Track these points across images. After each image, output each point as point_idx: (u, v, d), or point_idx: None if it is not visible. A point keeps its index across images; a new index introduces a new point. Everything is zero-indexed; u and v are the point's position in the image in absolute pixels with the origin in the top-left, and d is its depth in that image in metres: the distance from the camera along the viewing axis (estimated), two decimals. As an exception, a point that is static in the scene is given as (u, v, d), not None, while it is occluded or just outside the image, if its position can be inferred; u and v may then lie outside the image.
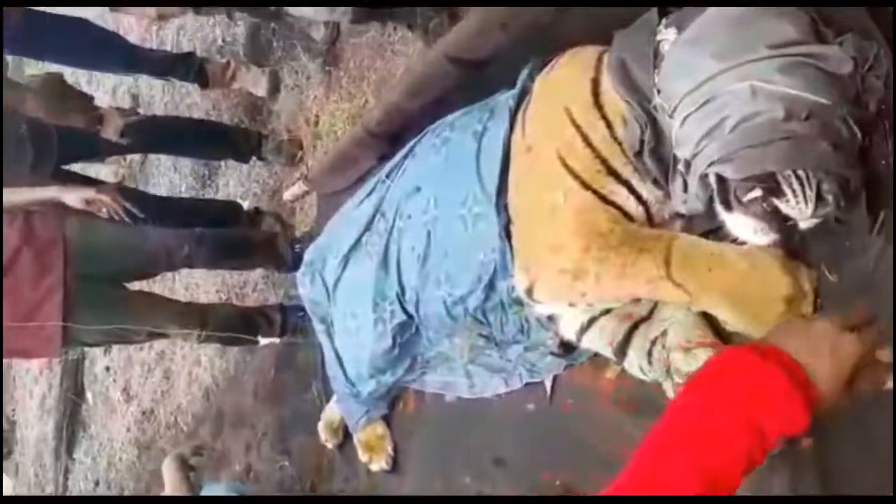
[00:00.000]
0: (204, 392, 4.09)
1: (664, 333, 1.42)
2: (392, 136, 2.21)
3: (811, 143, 1.17)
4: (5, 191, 2.64)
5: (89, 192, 2.70)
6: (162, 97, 4.46)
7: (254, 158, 3.48)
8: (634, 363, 1.49)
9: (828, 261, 1.29)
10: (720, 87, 1.22)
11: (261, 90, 3.51)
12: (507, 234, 1.60)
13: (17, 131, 2.91)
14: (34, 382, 6.47)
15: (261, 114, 3.65)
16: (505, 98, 1.66)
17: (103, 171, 4.88)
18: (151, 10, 2.49)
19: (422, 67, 2.05)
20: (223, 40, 3.97)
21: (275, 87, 3.49)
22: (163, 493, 2.51)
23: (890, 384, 0.92)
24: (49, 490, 5.69)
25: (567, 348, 1.70)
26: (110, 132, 3.01)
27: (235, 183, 3.87)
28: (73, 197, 2.66)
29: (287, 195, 3.13)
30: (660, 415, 1.15)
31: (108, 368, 5.40)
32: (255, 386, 3.52)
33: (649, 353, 1.44)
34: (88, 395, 5.68)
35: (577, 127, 1.43)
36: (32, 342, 2.55)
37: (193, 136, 3.46)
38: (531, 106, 1.58)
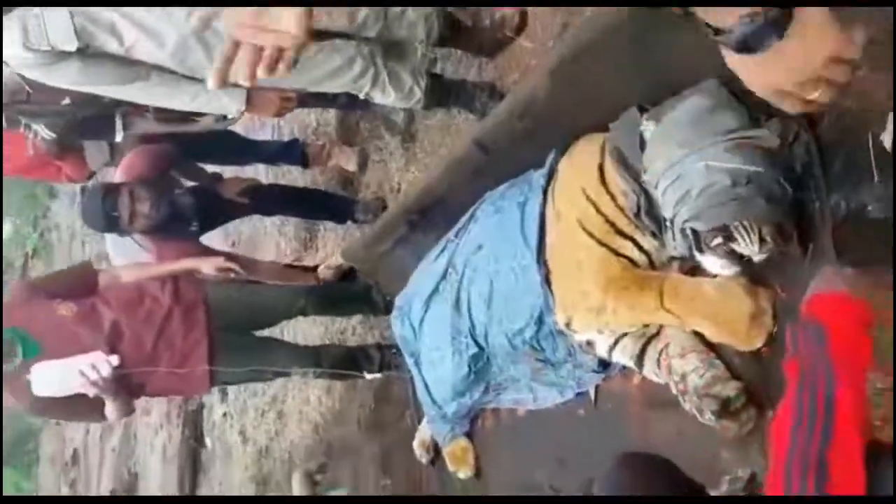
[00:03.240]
0: (313, 427, 4.40)
1: (667, 346, 1.83)
2: (422, 209, 2.49)
3: (751, 201, 1.58)
4: (158, 264, 3.22)
5: (219, 261, 3.21)
6: (266, 174, 4.84)
7: (349, 221, 3.87)
8: (650, 370, 1.90)
9: (781, 282, 1.69)
10: (685, 167, 1.66)
11: (352, 166, 3.87)
12: (547, 282, 2.03)
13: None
14: (154, 435, 6.84)
15: (352, 185, 3.99)
16: (537, 176, 2.09)
17: (215, 238, 5.47)
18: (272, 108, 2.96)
19: (453, 151, 2.37)
20: (317, 124, 4.38)
21: (364, 163, 3.84)
22: None
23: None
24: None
25: (604, 365, 2.11)
26: (231, 191, 3.52)
27: (332, 244, 4.15)
28: (208, 265, 3.17)
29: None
30: (675, 407, 1.63)
31: (224, 415, 5.74)
32: (358, 418, 3.82)
33: (657, 362, 1.86)
34: (208, 440, 6.05)
35: (590, 201, 1.87)
36: (185, 384, 3.03)
37: (300, 200, 3.86)
38: (557, 183, 2.02)
